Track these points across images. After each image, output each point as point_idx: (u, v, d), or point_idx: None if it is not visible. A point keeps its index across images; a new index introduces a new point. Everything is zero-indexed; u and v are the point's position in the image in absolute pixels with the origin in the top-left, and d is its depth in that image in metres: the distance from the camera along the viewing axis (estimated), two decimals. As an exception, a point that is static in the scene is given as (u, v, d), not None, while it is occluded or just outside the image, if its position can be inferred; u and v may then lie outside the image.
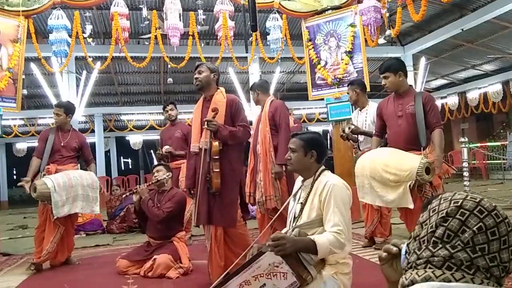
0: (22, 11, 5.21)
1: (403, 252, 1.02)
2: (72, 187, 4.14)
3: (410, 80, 11.39)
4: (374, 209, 4.23)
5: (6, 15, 5.17)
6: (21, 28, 5.27)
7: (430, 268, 0.89)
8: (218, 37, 6.27)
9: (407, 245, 1.00)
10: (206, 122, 3.02)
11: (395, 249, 1.08)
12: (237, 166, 3.26)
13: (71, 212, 4.21)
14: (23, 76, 5.62)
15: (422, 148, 3.20)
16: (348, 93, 4.61)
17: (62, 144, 4.43)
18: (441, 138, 3.22)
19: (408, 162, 3.09)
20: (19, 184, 4.31)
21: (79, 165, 4.67)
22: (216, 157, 3.03)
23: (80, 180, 4.25)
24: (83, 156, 4.64)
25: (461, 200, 0.92)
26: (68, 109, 4.54)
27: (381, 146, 3.58)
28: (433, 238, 0.91)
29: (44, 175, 4.20)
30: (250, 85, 9.86)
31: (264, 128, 3.91)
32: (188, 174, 3.37)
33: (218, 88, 3.30)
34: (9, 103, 5.18)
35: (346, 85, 5.00)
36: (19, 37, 5.26)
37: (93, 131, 14.26)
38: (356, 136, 4.38)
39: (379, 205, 3.46)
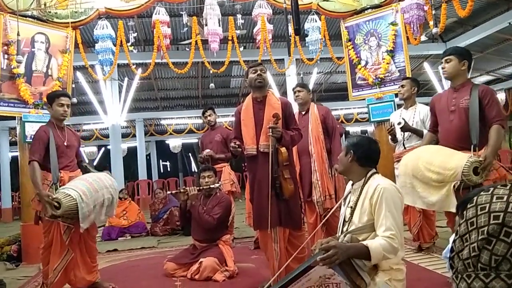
0: (71, 22, 5.45)
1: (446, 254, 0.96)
2: (98, 192, 3.33)
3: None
4: (416, 211, 4.10)
5: (56, 27, 5.43)
6: (69, 39, 5.51)
7: None
8: (257, 40, 6.29)
9: (451, 259, 0.93)
10: (271, 130, 3.01)
11: None
12: (294, 168, 3.34)
13: (95, 220, 3.40)
14: (73, 85, 5.84)
15: (472, 147, 2.87)
16: (403, 86, 4.27)
17: (65, 144, 3.50)
18: (497, 135, 2.85)
19: (454, 161, 2.80)
20: (46, 203, 3.16)
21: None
22: (287, 163, 3.02)
23: (101, 182, 3.42)
24: (77, 157, 3.71)
25: (502, 215, 0.81)
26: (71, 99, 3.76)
27: (433, 143, 3.29)
28: (480, 264, 0.83)
29: (58, 186, 3.31)
30: (287, 87, 9.96)
31: (317, 130, 4.03)
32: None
33: (268, 90, 3.30)
34: (60, 111, 5.40)
35: (401, 79, 4.66)
36: (67, 48, 5.50)
37: (134, 135, 14.73)
38: (397, 134, 4.22)
39: (420, 207, 3.28)
